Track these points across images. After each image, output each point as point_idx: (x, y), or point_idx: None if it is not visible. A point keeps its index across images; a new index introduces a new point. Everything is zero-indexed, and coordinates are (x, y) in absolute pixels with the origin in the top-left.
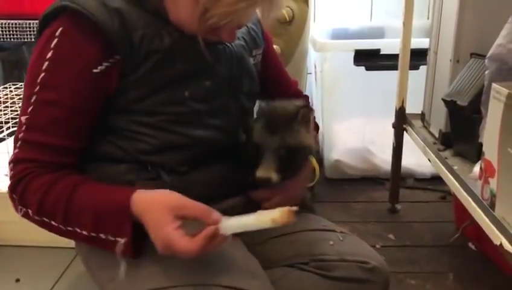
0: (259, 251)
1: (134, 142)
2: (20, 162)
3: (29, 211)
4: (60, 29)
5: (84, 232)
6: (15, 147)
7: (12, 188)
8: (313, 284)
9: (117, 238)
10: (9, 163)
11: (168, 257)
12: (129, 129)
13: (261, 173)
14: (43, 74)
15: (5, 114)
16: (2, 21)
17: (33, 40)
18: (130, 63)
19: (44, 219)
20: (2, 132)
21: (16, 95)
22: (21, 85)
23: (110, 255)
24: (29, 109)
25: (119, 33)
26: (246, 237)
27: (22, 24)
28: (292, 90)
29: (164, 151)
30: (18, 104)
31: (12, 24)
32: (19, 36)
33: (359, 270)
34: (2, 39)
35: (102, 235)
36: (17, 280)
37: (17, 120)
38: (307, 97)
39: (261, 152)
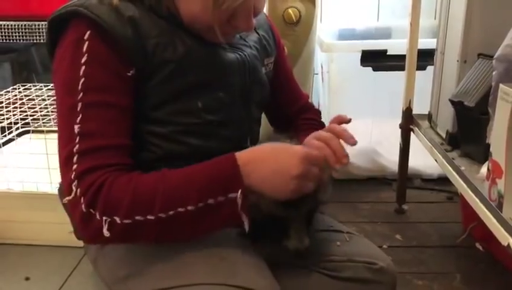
0: (267, 253)
1: (143, 153)
2: (88, 174)
3: (116, 219)
4: (88, 32)
5: (190, 207)
6: (70, 165)
7: (90, 204)
8: (320, 284)
9: (229, 195)
10: (71, 183)
11: (181, 253)
12: (142, 139)
13: (295, 245)
14: (83, 80)
15: (14, 115)
16: (10, 22)
17: (42, 41)
18: (145, 71)
19: (137, 217)
20: (11, 132)
21: (24, 96)
22: (30, 86)
23: (118, 257)
24: (78, 119)
25: (133, 42)
26: (257, 238)
27: (31, 25)
28: (302, 102)
29: (167, 160)
30: (27, 104)
31: (21, 25)
32: (27, 37)
33: (366, 271)
34: (11, 40)
35: (211, 201)
36: (27, 279)
37: (26, 121)
38: (318, 112)
39: (284, 225)
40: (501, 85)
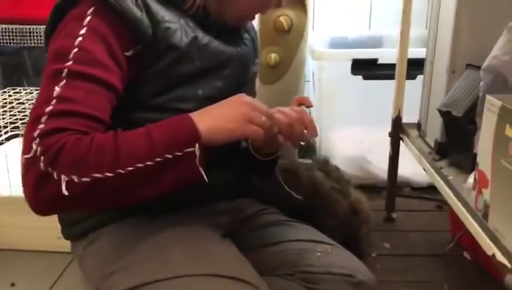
0: (247, 259)
1: None
2: (53, 134)
3: (74, 178)
4: (92, 8)
5: (148, 163)
6: (37, 124)
7: (49, 162)
8: None
9: (186, 149)
10: (31, 141)
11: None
12: (140, 127)
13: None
14: (76, 50)
15: (3, 118)
16: (2, 26)
17: (33, 44)
18: (150, 55)
19: (96, 175)
20: (0, 136)
21: (15, 99)
22: (20, 89)
23: (104, 253)
24: (61, 83)
25: (144, 22)
26: (238, 244)
27: (22, 29)
28: None
29: None
30: (17, 108)
31: (12, 29)
32: (18, 41)
33: (345, 284)
34: (1, 44)
35: (169, 156)
36: (13, 284)
37: (16, 125)
38: None
39: None
40: (487, 96)
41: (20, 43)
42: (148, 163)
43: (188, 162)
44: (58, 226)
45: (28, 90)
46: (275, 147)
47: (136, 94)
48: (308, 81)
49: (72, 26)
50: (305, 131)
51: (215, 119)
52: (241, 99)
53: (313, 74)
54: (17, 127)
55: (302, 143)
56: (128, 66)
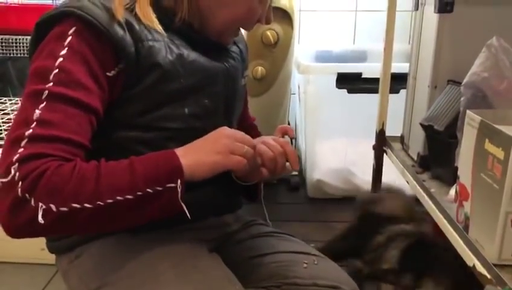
0: (234, 271)
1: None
2: (32, 159)
3: (52, 206)
4: (74, 28)
5: (128, 196)
6: (16, 148)
7: (27, 189)
8: None
9: (167, 185)
10: (10, 165)
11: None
12: (125, 146)
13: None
14: (56, 70)
15: None
16: None
17: (19, 55)
18: (134, 74)
19: (75, 205)
20: None
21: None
22: (5, 100)
23: (89, 268)
24: (41, 106)
25: (126, 41)
26: (222, 257)
27: (8, 39)
28: (250, 121)
29: None
30: (1, 119)
31: None
32: (4, 51)
33: None
34: None
35: (149, 190)
36: None
37: (0, 135)
38: (260, 134)
39: None
40: (467, 111)
41: (5, 53)
42: (128, 197)
43: (168, 197)
44: (42, 237)
45: (14, 101)
46: (257, 178)
47: (120, 113)
48: (294, 94)
49: (52, 45)
50: (287, 163)
51: (198, 154)
52: (223, 131)
53: (299, 87)
54: (2, 138)
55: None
56: (110, 86)
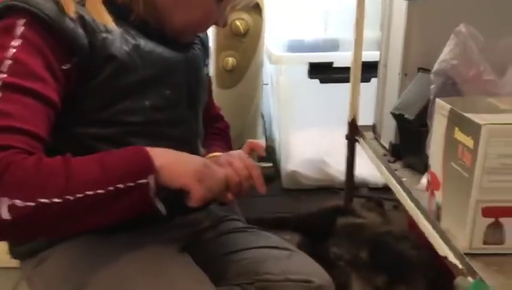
0: (206, 269)
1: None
2: None
3: (17, 202)
4: (23, 21)
5: (99, 191)
6: None
7: None
8: None
9: (139, 181)
10: None
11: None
12: (85, 144)
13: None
14: (10, 62)
15: None
16: None
17: None
18: (89, 67)
19: (42, 200)
20: None
21: None
22: None
23: (55, 274)
24: None
25: (78, 34)
26: (194, 254)
27: None
28: (216, 111)
29: None
30: None
31: None
32: None
33: None
34: None
35: (120, 185)
36: None
37: None
38: (228, 124)
39: None
40: (437, 100)
41: None
42: (99, 191)
43: (140, 193)
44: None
45: None
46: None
47: (80, 109)
48: (266, 84)
49: (2, 37)
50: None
51: (169, 159)
52: (206, 161)
53: (271, 77)
54: None
55: None
56: (66, 79)
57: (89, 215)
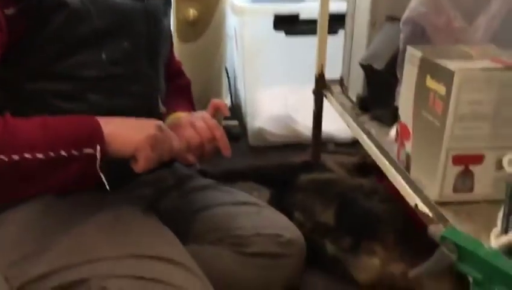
0: (174, 227)
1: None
2: None
3: None
4: None
5: (39, 155)
6: None
7: None
8: (228, 260)
9: (85, 150)
10: None
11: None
12: (39, 100)
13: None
14: None
15: None
16: None
17: None
18: (37, 15)
19: None
20: None
21: None
22: None
23: (8, 238)
24: None
25: None
26: (161, 212)
27: None
28: (177, 66)
29: None
30: None
31: None
32: None
33: (274, 244)
34: None
35: (63, 153)
36: None
37: None
38: (189, 81)
39: None
40: (408, 47)
41: None
42: (39, 155)
43: (85, 164)
44: None
45: None
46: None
47: (30, 61)
48: (230, 38)
49: None
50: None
51: (119, 127)
52: (157, 122)
53: (235, 30)
54: None
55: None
56: (9, 26)
57: (24, 180)
